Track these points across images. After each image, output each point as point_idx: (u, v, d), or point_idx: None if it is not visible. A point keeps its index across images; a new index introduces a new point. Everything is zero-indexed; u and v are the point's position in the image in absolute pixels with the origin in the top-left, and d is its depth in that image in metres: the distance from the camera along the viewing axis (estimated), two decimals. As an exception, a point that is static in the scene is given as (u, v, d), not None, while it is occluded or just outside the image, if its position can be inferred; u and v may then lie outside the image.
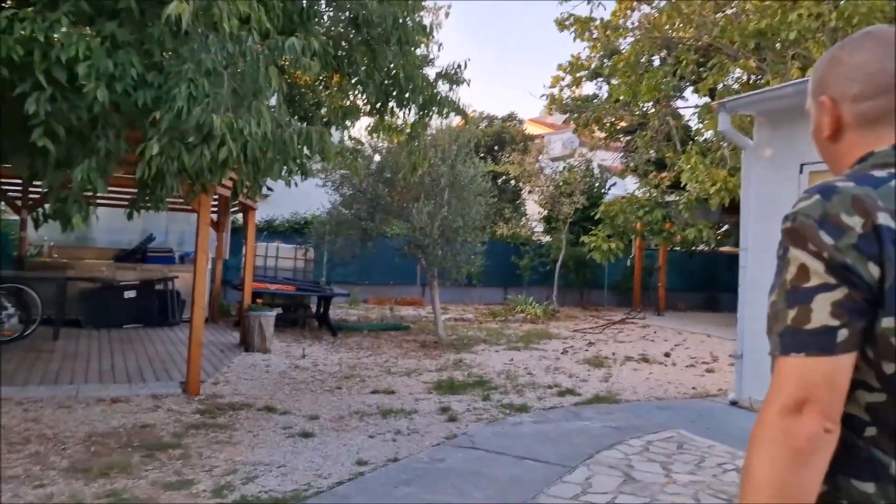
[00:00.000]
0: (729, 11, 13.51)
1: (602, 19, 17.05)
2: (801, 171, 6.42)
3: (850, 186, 1.06)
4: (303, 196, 14.86)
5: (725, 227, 20.25)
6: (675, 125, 15.76)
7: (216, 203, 11.38)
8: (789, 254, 1.07)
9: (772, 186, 6.69)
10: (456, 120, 11.52)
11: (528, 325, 14.34)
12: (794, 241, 1.07)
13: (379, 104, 6.11)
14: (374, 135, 7.97)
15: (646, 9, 16.43)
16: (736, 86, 13.87)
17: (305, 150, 4.35)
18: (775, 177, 6.67)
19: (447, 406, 6.84)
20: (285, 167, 4.12)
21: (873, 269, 1.00)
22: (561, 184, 16.79)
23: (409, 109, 6.06)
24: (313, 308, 12.70)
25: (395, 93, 5.96)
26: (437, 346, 10.99)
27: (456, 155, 11.20)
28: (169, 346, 9.49)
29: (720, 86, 14.27)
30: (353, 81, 6.18)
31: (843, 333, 1.00)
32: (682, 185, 14.51)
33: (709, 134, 15.77)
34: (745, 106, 6.72)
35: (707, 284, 20.07)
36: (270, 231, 15.29)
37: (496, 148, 20.00)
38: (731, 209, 14.41)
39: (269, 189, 8.87)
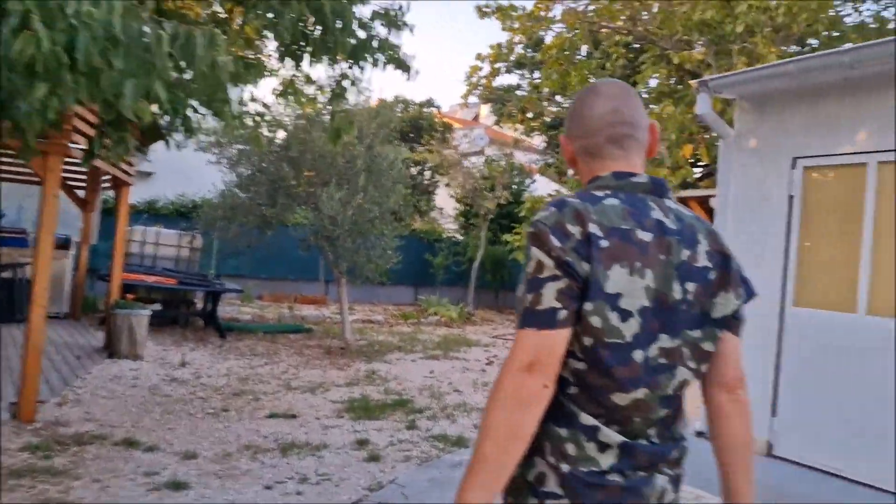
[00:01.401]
0: (665, 2, 12.79)
1: (524, 8, 16.10)
2: (793, 166, 5.45)
3: (575, 202, 1.35)
4: (192, 174, 12.99)
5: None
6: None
7: (82, 177, 9.46)
8: (531, 252, 1.32)
9: (757, 182, 5.70)
10: (378, 92, 10.15)
11: (442, 329, 13.10)
12: (534, 242, 1.33)
13: (295, 48, 4.66)
14: (284, 99, 6.45)
15: (569, 3, 15.56)
16: (672, 80, 13.18)
17: (187, 76, 2.92)
18: (761, 171, 5.68)
19: (364, 437, 5.46)
20: (151, 94, 2.57)
21: (585, 266, 1.29)
22: (480, 178, 15.67)
23: (335, 59, 4.65)
24: (199, 305, 10.95)
25: (316, 34, 4.53)
26: (345, 352, 9.56)
27: (375, 135, 9.79)
28: (9, 350, 7.57)
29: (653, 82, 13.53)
30: (258, 17, 4.69)
31: (562, 314, 1.28)
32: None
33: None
34: (731, 87, 5.70)
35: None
36: (152, 214, 13.30)
37: (412, 135, 18.65)
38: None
39: (140, 151, 7.12)
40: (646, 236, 1.33)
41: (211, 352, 8.78)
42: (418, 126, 18.95)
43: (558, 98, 17.75)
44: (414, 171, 18.25)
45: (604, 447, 1.32)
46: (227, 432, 5.36)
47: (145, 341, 8.04)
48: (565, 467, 1.31)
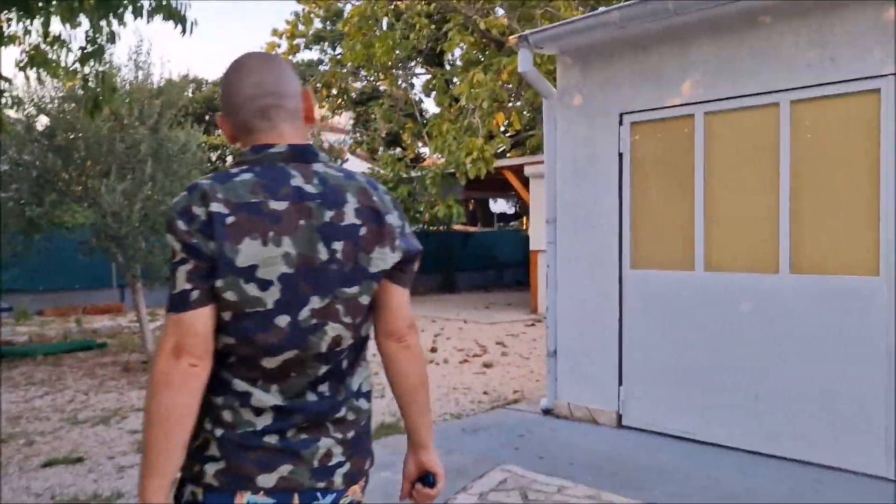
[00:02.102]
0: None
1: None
2: (620, 122, 5.21)
3: (205, 183, 1.37)
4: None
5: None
6: (409, 97, 14.58)
7: None
8: (167, 239, 1.37)
9: (585, 142, 5.42)
10: (162, 70, 8.83)
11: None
12: (167, 229, 1.37)
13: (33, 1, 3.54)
14: (34, 71, 5.17)
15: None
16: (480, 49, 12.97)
17: None
18: (589, 131, 5.40)
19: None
20: None
21: (211, 245, 1.32)
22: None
23: (83, 8, 3.59)
24: (-44, 331, 9.06)
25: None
26: (147, 367, 8.30)
27: (160, 115, 8.52)
28: None
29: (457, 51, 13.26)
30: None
31: (195, 294, 1.32)
32: (421, 159, 13.31)
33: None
34: (552, 40, 5.34)
35: (442, 265, 19.39)
36: None
37: (207, 117, 16.98)
38: (474, 183, 13.56)
39: None
40: (279, 206, 1.36)
41: (-28, 388, 7.18)
42: (213, 107, 17.29)
43: (363, 73, 17.07)
44: (213, 156, 16.70)
45: (258, 411, 1.38)
46: (-15, 497, 4.17)
47: None
48: (219, 431, 1.37)
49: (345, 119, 21.81)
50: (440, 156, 11.96)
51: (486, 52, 12.74)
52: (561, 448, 4.88)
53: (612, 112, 5.26)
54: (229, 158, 17.72)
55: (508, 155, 12.95)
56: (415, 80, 16.27)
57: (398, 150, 13.46)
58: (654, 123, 5.06)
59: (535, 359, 8.70)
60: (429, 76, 19.39)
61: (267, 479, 1.35)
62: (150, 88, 8.58)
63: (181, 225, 1.33)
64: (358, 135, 19.86)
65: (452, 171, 12.56)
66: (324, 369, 1.42)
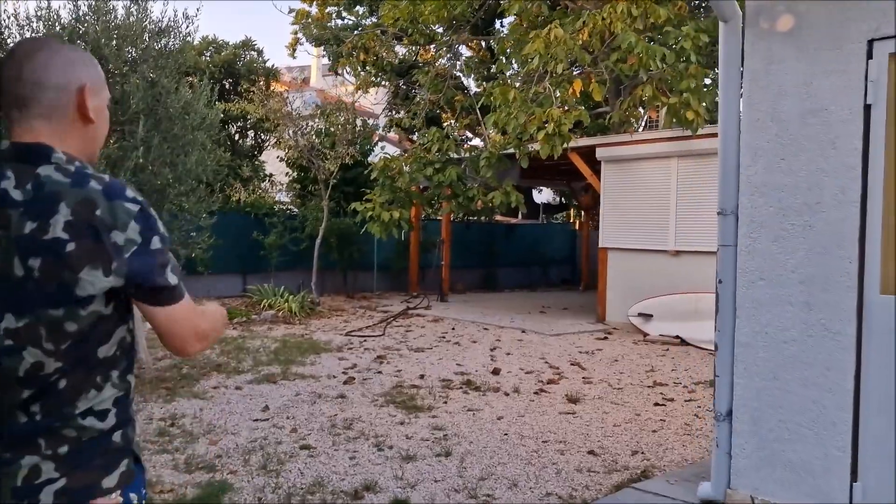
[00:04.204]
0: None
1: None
2: (869, 54, 3.21)
3: None
4: None
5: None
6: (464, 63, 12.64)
7: None
8: None
9: (797, 90, 3.42)
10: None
11: (281, 329, 10.19)
12: None
13: None
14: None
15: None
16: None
17: None
18: (806, 71, 3.40)
19: None
20: None
21: None
22: (321, 131, 12.68)
23: None
24: None
25: None
26: (136, 382, 6.45)
27: (158, 60, 6.65)
28: None
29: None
30: None
31: None
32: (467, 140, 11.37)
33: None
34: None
35: (484, 260, 17.44)
36: None
37: (227, 85, 15.08)
38: (534, 168, 11.55)
39: None
40: None
41: None
42: (234, 72, 15.37)
43: (405, 39, 15.10)
44: (233, 129, 14.86)
45: None
46: None
47: None
48: None
49: (381, 96, 19.86)
50: (501, 132, 9.97)
51: (556, 10, 10.74)
52: None
53: (849, 38, 3.26)
54: (251, 133, 15.88)
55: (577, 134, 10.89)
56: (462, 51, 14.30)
57: (446, 126, 11.61)
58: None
59: (632, 392, 6.73)
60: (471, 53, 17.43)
61: None
62: (148, 27, 6.69)
63: None
64: (394, 112, 17.89)
65: (511, 151, 10.59)
66: (28, 393, 1.30)
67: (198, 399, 6.11)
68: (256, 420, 5.52)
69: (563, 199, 24.33)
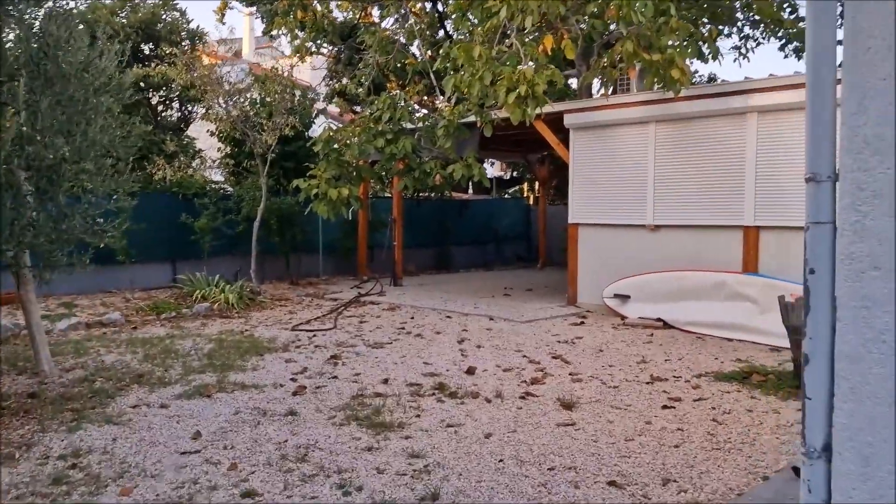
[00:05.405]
0: None
1: None
2: None
3: None
4: None
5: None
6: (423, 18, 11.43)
7: None
8: None
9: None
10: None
11: (217, 325, 8.94)
12: None
13: None
14: None
15: None
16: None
17: None
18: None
19: None
20: None
21: None
22: (256, 101, 11.34)
23: None
24: None
25: None
26: (34, 403, 5.24)
27: (47, 10, 5.31)
28: None
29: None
30: None
31: None
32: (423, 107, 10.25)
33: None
34: None
35: (437, 239, 16.38)
36: None
37: (145, 48, 13.42)
38: (488, 139, 10.49)
39: None
40: None
41: None
42: (153, 34, 13.71)
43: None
44: (154, 99, 13.31)
45: None
46: None
47: None
48: None
49: (311, 66, 18.43)
50: (460, 98, 8.89)
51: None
52: None
53: None
54: (176, 105, 14.30)
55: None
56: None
57: (397, 93, 10.44)
58: None
59: (630, 391, 5.82)
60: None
61: None
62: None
63: None
64: (335, 82, 16.51)
65: (472, 119, 9.52)
66: None
67: (111, 425, 4.91)
68: (185, 453, 4.37)
69: (514, 172, 23.44)
